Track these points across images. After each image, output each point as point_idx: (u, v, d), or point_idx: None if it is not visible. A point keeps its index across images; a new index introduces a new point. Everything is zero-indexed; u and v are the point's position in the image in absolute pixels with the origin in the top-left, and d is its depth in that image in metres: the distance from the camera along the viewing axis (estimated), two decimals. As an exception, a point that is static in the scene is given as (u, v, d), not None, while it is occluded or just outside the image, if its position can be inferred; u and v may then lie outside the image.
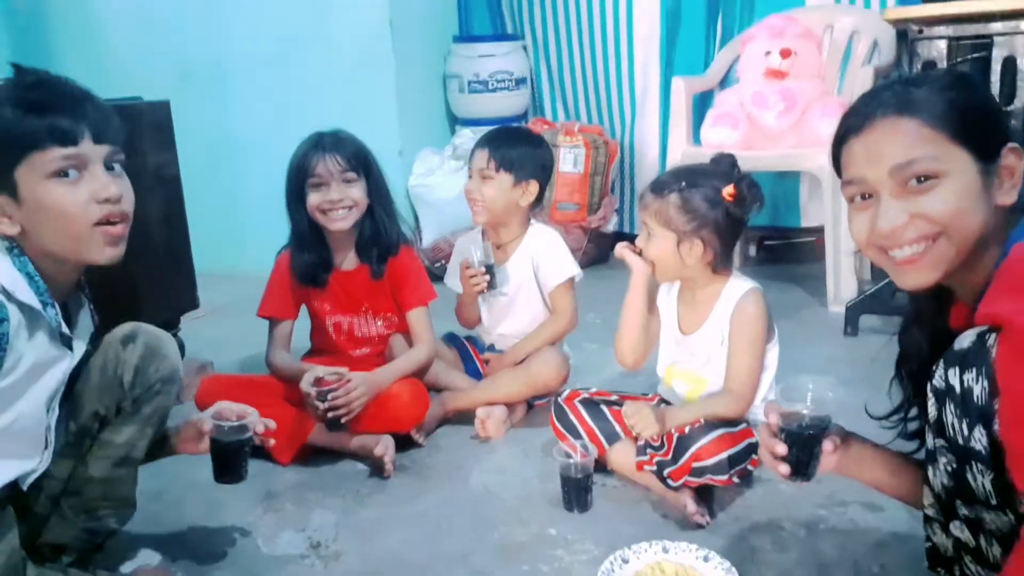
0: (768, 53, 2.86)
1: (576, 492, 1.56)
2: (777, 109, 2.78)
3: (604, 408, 1.68)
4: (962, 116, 0.95)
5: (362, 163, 1.90)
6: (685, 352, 1.63)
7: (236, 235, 3.41)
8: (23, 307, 1.06)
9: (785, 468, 1.12)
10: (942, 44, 2.26)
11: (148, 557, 1.43)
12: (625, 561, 1.33)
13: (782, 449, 1.12)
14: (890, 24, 2.71)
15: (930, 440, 0.96)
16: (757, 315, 1.54)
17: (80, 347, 1.19)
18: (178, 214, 2.27)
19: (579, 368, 2.14)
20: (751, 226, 3.30)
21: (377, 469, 1.74)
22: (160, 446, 1.38)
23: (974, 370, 0.88)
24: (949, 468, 0.93)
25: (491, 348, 2.15)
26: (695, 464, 1.46)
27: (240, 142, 3.36)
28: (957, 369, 0.90)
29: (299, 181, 1.87)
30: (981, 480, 0.89)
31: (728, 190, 1.52)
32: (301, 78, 3.25)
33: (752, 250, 3.37)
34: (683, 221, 1.52)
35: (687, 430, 1.50)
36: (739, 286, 1.57)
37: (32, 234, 1.09)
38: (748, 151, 2.79)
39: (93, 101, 1.10)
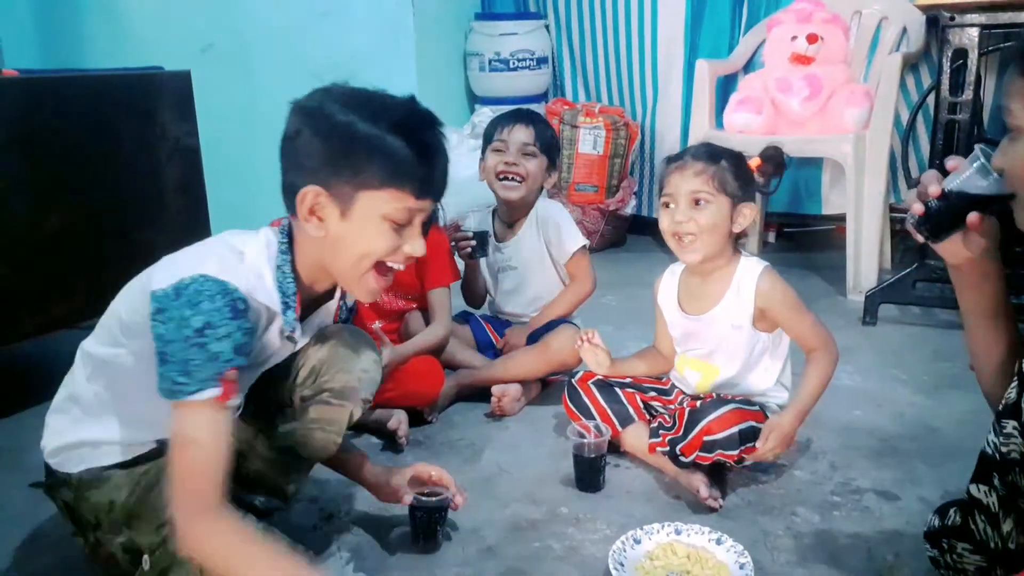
0: (794, 38, 2.82)
1: (589, 472, 1.56)
2: (802, 95, 2.75)
3: (618, 390, 1.67)
4: None
5: None
6: (692, 335, 1.61)
7: (254, 207, 3.37)
8: (261, 306, 1.09)
9: (918, 211, 1.03)
10: (974, 32, 2.21)
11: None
12: (637, 541, 1.33)
13: (919, 208, 1.02)
14: (920, 10, 2.66)
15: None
16: (782, 283, 1.55)
17: (304, 340, 1.23)
18: (196, 184, 2.28)
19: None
20: (771, 212, 3.29)
21: (391, 443, 1.75)
22: (355, 469, 1.42)
23: None
24: (1005, 447, 0.90)
25: (507, 324, 2.14)
26: (706, 438, 1.45)
27: (261, 115, 3.35)
28: None
29: None
30: None
31: (755, 162, 1.56)
32: (322, 53, 3.22)
33: (771, 236, 3.34)
34: (736, 186, 1.51)
35: (698, 404, 1.50)
36: (752, 265, 1.56)
37: (324, 245, 1.09)
38: (771, 136, 2.76)
39: (446, 159, 1.12)
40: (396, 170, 1.05)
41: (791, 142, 2.71)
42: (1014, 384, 0.91)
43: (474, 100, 3.58)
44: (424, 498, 1.36)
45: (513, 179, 2.00)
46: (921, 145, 3.04)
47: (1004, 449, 0.91)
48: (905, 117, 3.03)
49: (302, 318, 1.18)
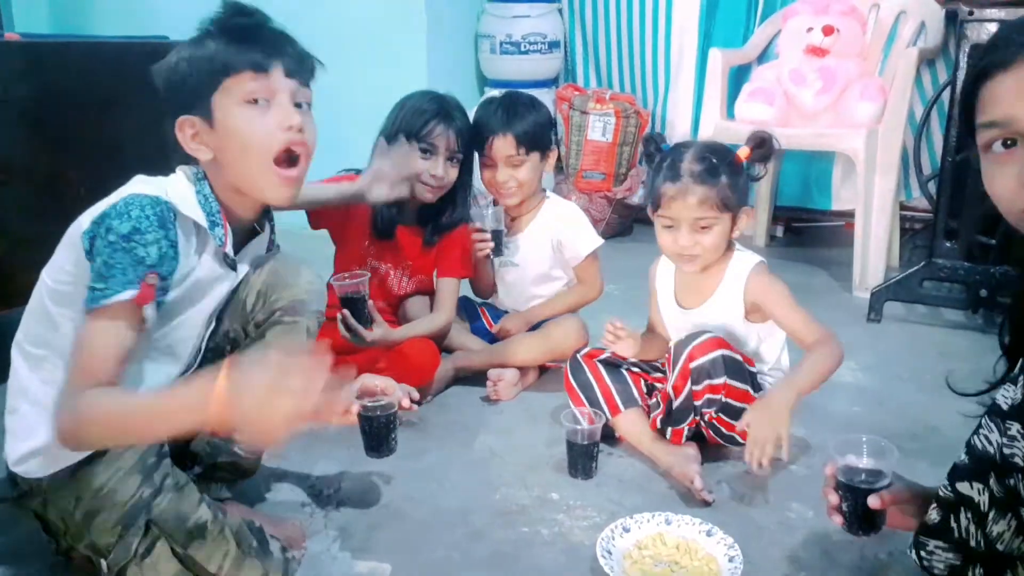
0: (810, 29, 2.78)
1: (581, 458, 1.54)
2: (815, 87, 2.71)
3: (623, 371, 1.66)
4: None
5: (468, 145, 1.91)
6: (686, 327, 1.59)
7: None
8: (188, 225, 1.11)
9: (838, 519, 1.12)
10: (993, 27, 2.17)
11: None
12: (626, 530, 1.31)
13: (835, 499, 1.11)
14: (939, 5, 2.61)
15: (1007, 397, 0.91)
16: (774, 279, 1.55)
17: (243, 269, 1.24)
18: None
19: (596, 337, 2.11)
20: (779, 206, 3.25)
21: (384, 423, 1.73)
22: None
23: None
24: (1009, 450, 0.88)
25: (503, 313, 2.12)
26: (692, 364, 1.44)
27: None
28: None
29: (406, 136, 1.83)
30: None
31: (744, 152, 1.54)
32: (331, 32, 3.16)
33: (779, 231, 3.31)
34: (735, 198, 1.49)
35: (681, 336, 1.53)
36: (745, 260, 1.56)
37: (221, 162, 1.14)
38: (783, 128, 2.72)
39: (291, 40, 1.17)
40: (224, 60, 1.10)
41: (802, 135, 2.69)
42: (1020, 383, 0.89)
43: (484, 82, 3.54)
44: (371, 406, 1.36)
45: (508, 191, 1.95)
46: (935, 142, 2.99)
47: (1007, 451, 0.89)
48: (919, 113, 2.99)
49: (236, 250, 1.20)
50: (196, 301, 1.16)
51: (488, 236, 1.93)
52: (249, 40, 1.12)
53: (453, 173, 1.88)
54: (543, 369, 2.01)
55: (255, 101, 1.11)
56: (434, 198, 1.89)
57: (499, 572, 1.27)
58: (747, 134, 2.82)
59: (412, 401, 1.40)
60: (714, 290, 1.57)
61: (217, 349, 1.28)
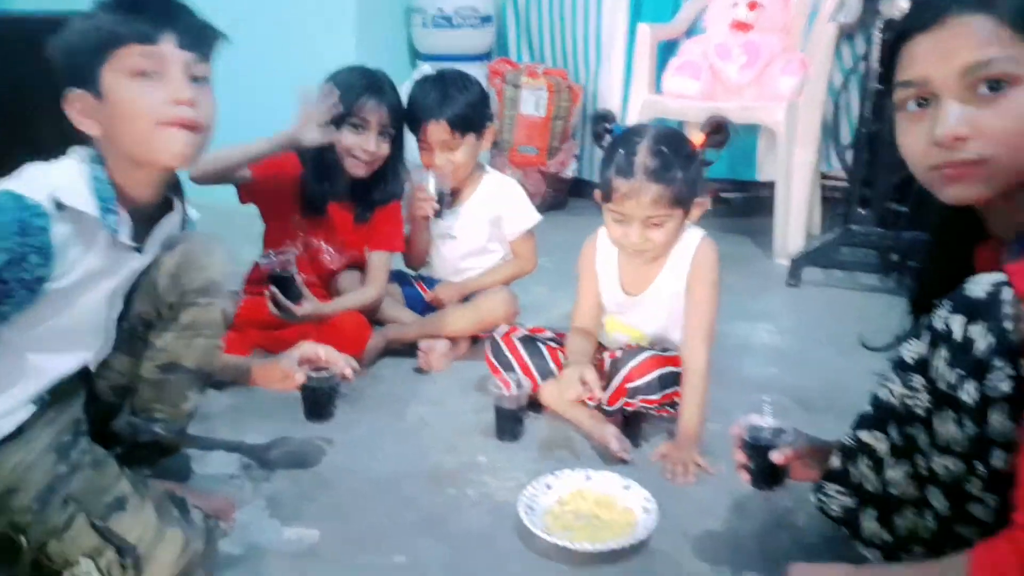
0: (735, 4, 2.86)
1: (508, 423, 1.59)
2: (740, 62, 2.78)
3: (541, 345, 1.70)
4: None
5: (400, 118, 1.91)
6: (628, 309, 1.63)
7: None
8: (77, 215, 1.06)
9: (745, 476, 1.18)
10: (904, 3, 2.26)
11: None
12: (548, 487, 1.36)
13: (741, 457, 1.18)
14: (856, -20, 2.70)
15: (911, 351, 0.95)
16: (716, 260, 1.56)
17: (153, 250, 1.21)
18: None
19: (527, 308, 2.16)
20: (708, 178, 3.33)
21: (315, 396, 1.75)
22: (240, 377, 1.46)
23: (982, 324, 0.84)
24: (912, 401, 0.94)
25: (436, 282, 2.15)
26: (628, 385, 1.50)
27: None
28: (963, 318, 0.86)
29: (338, 114, 1.82)
30: (952, 428, 0.88)
31: (699, 138, 1.53)
32: (259, 4, 3.14)
33: (708, 202, 3.38)
34: (689, 192, 1.48)
35: (618, 354, 1.54)
36: (692, 235, 1.57)
37: (110, 136, 1.10)
38: (709, 102, 2.79)
39: (186, 10, 1.13)
40: (110, 31, 1.08)
41: (727, 109, 2.76)
42: (925, 339, 0.92)
43: (417, 56, 3.53)
44: (315, 375, 1.38)
45: (445, 174, 1.97)
46: (853, 114, 3.10)
47: (909, 402, 0.94)
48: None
49: (142, 231, 1.17)
50: (90, 288, 1.13)
51: (433, 196, 1.95)
52: (138, 10, 1.09)
53: (385, 148, 1.89)
54: (474, 339, 2.05)
55: (144, 74, 1.08)
56: (365, 174, 1.90)
57: (427, 535, 1.31)
58: (674, 109, 2.90)
59: (348, 373, 1.43)
60: (659, 272, 1.58)
61: (131, 330, 1.26)
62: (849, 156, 2.55)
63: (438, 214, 1.98)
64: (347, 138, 1.84)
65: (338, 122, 1.82)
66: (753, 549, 1.28)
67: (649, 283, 1.60)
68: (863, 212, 2.42)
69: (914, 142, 0.93)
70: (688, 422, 1.51)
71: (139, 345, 1.27)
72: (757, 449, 1.16)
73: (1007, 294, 0.84)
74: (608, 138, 1.54)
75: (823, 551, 1.25)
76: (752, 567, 1.23)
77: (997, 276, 0.86)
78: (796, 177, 2.70)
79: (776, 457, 1.14)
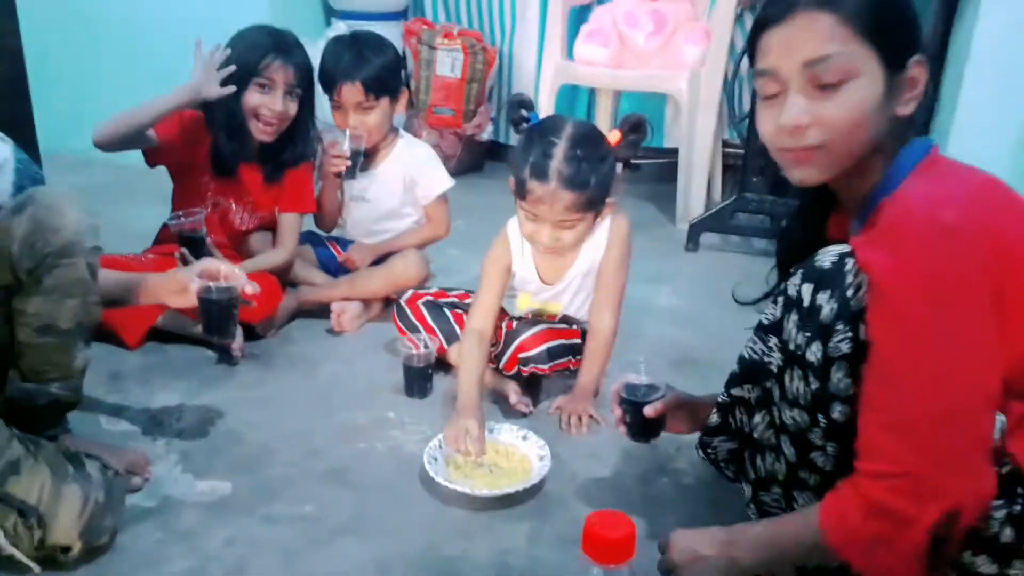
0: (644, -27, 2.93)
1: (417, 380, 1.67)
2: (647, 30, 2.87)
3: (446, 310, 1.78)
4: (880, 21, 0.95)
5: (309, 79, 1.91)
6: (550, 292, 1.69)
7: (89, 115, 3.22)
8: None
9: (623, 429, 1.28)
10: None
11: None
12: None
13: (619, 412, 1.27)
14: (756, -45, 2.81)
15: (769, 314, 1.05)
16: (628, 234, 1.63)
17: None
18: (19, 90, 2.17)
19: (440, 271, 2.24)
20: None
21: (225, 356, 1.79)
22: (128, 295, 1.42)
23: (828, 292, 0.93)
24: (768, 359, 1.04)
25: (350, 243, 2.19)
26: (520, 355, 1.59)
27: (96, 18, 3.15)
28: (812, 286, 0.95)
29: (244, 74, 1.82)
30: (799, 384, 0.99)
31: (615, 136, 1.53)
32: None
33: (618, 168, 3.51)
34: (599, 198, 1.50)
35: (514, 325, 1.63)
36: (603, 219, 1.60)
37: None
38: (617, 70, 2.89)
39: None
40: None
41: (632, 77, 2.87)
42: (780, 303, 1.03)
43: (331, 13, 3.49)
44: (212, 287, 1.37)
45: (359, 135, 1.99)
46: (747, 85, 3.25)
47: (766, 360, 1.05)
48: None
49: None
50: None
51: (347, 154, 1.97)
52: None
53: (293, 107, 1.90)
54: (387, 301, 2.11)
55: None
56: (272, 136, 1.91)
57: (335, 484, 1.39)
58: (584, 75, 2.97)
59: (253, 296, 1.41)
60: (575, 260, 1.63)
61: None
62: (744, 126, 2.69)
63: (350, 174, 2.01)
64: (253, 98, 1.85)
65: (244, 82, 1.83)
66: (636, 490, 1.41)
67: (565, 270, 1.65)
68: (756, 180, 2.57)
69: (766, 126, 1.02)
70: (585, 379, 1.63)
71: (3, 312, 1.25)
72: (633, 404, 1.26)
73: (850, 265, 0.94)
74: (524, 126, 1.54)
75: (699, 493, 1.39)
76: (634, 506, 1.35)
77: (842, 248, 0.97)
78: (697, 145, 2.84)
79: (648, 411, 1.24)
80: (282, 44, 1.87)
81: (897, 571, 0.89)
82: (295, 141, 1.97)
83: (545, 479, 1.39)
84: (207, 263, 1.42)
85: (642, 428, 1.27)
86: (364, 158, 2.03)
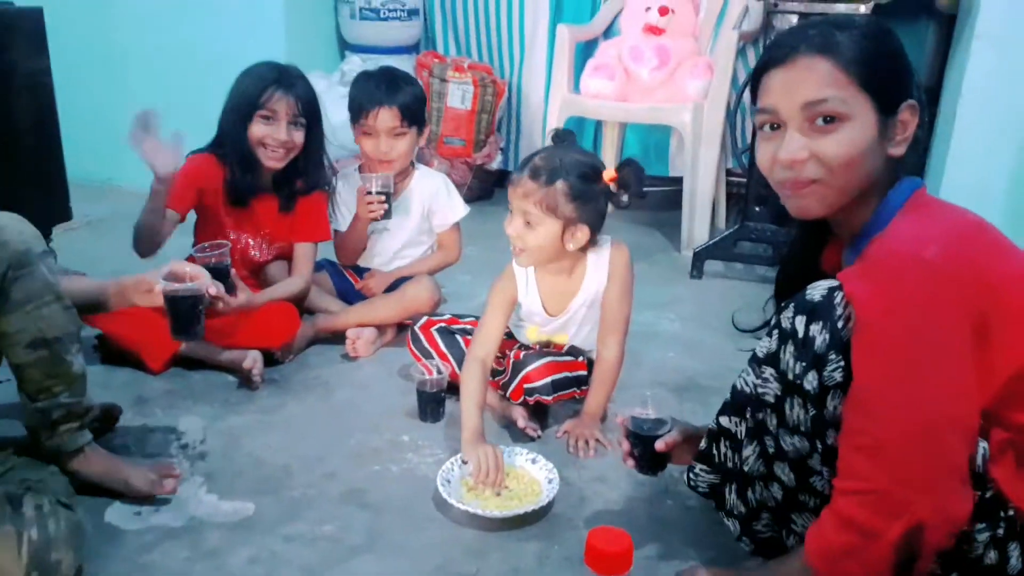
0: (648, 9, 3.02)
1: (429, 404, 1.73)
2: (651, 65, 2.96)
3: (458, 337, 1.84)
4: (874, 67, 1.02)
5: (313, 109, 1.99)
6: (556, 324, 1.74)
7: (115, 147, 3.32)
8: None
9: (631, 463, 1.32)
10: (793, 18, 2.47)
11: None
12: (465, 462, 1.51)
13: (627, 446, 1.31)
14: (755, -6, 2.90)
15: (763, 346, 1.09)
16: (629, 262, 1.68)
17: None
18: (50, 121, 2.26)
19: (451, 296, 2.31)
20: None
21: (245, 381, 1.86)
22: (101, 300, 1.45)
23: (819, 323, 0.99)
24: (763, 390, 1.08)
25: (366, 270, 2.26)
26: (525, 385, 1.66)
27: (122, 53, 3.27)
28: (804, 318, 1.01)
29: (248, 107, 1.91)
30: (798, 411, 1.04)
31: (609, 174, 1.57)
32: (185, -9, 3.17)
33: (624, 197, 3.58)
34: (570, 208, 1.54)
35: (522, 355, 1.70)
36: (602, 247, 1.66)
37: None
38: (623, 103, 2.98)
39: None
40: None
41: (639, 110, 2.96)
42: (775, 335, 1.07)
43: (345, 47, 3.60)
44: (177, 287, 1.41)
45: (386, 162, 2.08)
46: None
47: (760, 391, 1.09)
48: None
49: None
50: None
51: (380, 199, 2.04)
52: None
53: (298, 136, 1.97)
54: (400, 327, 2.18)
55: None
56: (280, 163, 1.97)
57: (352, 504, 1.45)
58: (590, 108, 3.06)
59: (219, 297, 1.46)
60: (578, 289, 1.68)
61: None
62: (746, 157, 2.77)
63: (386, 215, 2.09)
64: (258, 129, 1.92)
65: (249, 115, 1.92)
66: (642, 512, 1.46)
67: (570, 300, 1.70)
68: (758, 209, 2.64)
69: (764, 158, 1.10)
70: (592, 404, 1.69)
71: None
72: (641, 439, 1.30)
73: (839, 298, 1.00)
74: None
75: (700, 515, 1.44)
76: (641, 527, 1.40)
77: (831, 282, 1.03)
78: (701, 174, 2.91)
79: (659, 446, 1.28)
80: (284, 77, 1.95)
81: None
82: (307, 170, 2.05)
83: (554, 501, 1.44)
84: (173, 264, 1.47)
85: (650, 461, 1.31)
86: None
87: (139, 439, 1.61)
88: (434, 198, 2.19)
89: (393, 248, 2.23)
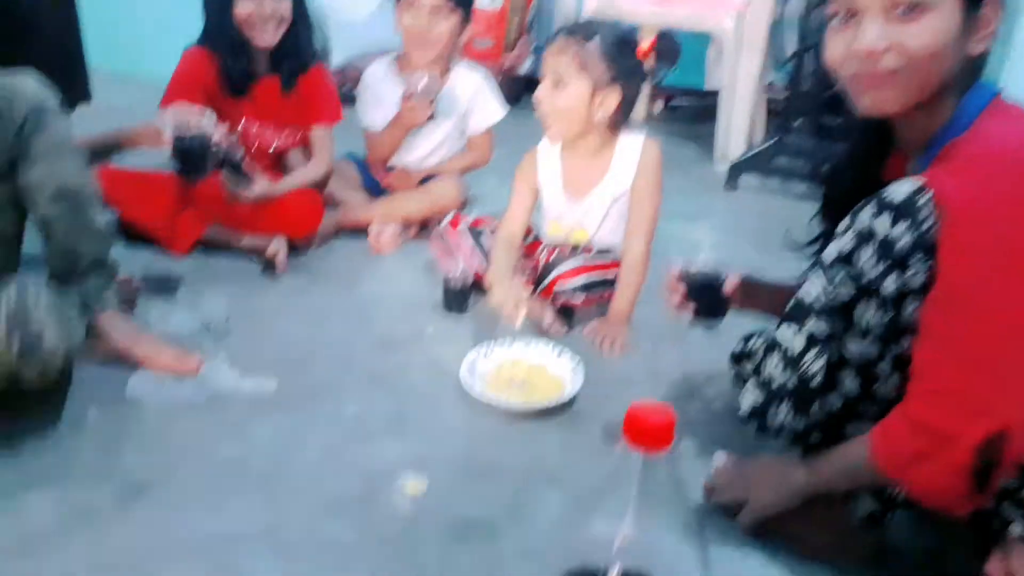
0: (695, -94, 2.85)
1: (455, 295, 1.70)
2: (694, -34, 2.81)
3: (483, 237, 1.79)
4: None
5: None
6: (570, 213, 1.70)
7: (136, 34, 3.27)
8: None
9: (686, 312, 1.29)
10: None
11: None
12: (488, 354, 1.49)
13: (680, 294, 1.29)
14: None
15: (832, 251, 1.03)
16: (659, 160, 1.63)
17: None
18: (68, 9, 2.18)
19: (478, 197, 2.25)
20: (659, 84, 3.40)
21: (269, 267, 1.83)
22: (113, 145, 1.52)
23: (902, 224, 0.94)
24: (833, 294, 1.03)
25: (392, 169, 2.21)
26: (555, 288, 1.64)
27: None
28: (887, 217, 0.95)
29: None
30: (873, 313, 0.98)
31: (648, 41, 1.56)
32: None
33: (659, 108, 3.48)
34: (602, 69, 1.51)
35: (552, 257, 1.66)
36: (633, 139, 1.64)
37: None
38: (660, 7, 2.84)
39: None
40: None
41: (678, 14, 2.82)
42: (849, 237, 1.00)
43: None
44: (184, 130, 1.43)
45: (426, 44, 1.99)
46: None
47: (831, 295, 1.02)
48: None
49: None
50: None
51: (426, 101, 1.97)
52: None
53: (284, 7, 1.87)
54: (424, 224, 2.14)
55: None
56: (274, 38, 1.89)
57: (376, 389, 1.44)
58: (628, 10, 2.93)
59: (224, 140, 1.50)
60: (603, 176, 1.64)
61: None
62: (789, 68, 2.65)
63: (431, 116, 2.01)
64: (242, 8, 1.83)
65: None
66: (666, 412, 1.44)
67: (593, 186, 1.66)
68: (799, 123, 2.54)
69: (836, 51, 1.03)
70: (619, 304, 1.65)
71: (8, 195, 1.31)
72: (701, 282, 1.26)
73: (923, 199, 0.94)
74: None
75: (726, 417, 1.42)
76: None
77: (916, 181, 0.97)
78: (740, 85, 2.80)
79: (728, 286, 1.26)
80: None
81: (939, 487, 0.91)
82: (297, 42, 1.95)
83: (577, 396, 1.42)
84: (178, 108, 1.48)
85: (710, 306, 1.27)
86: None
87: (161, 317, 1.60)
88: (474, 97, 2.11)
89: (428, 148, 2.17)
